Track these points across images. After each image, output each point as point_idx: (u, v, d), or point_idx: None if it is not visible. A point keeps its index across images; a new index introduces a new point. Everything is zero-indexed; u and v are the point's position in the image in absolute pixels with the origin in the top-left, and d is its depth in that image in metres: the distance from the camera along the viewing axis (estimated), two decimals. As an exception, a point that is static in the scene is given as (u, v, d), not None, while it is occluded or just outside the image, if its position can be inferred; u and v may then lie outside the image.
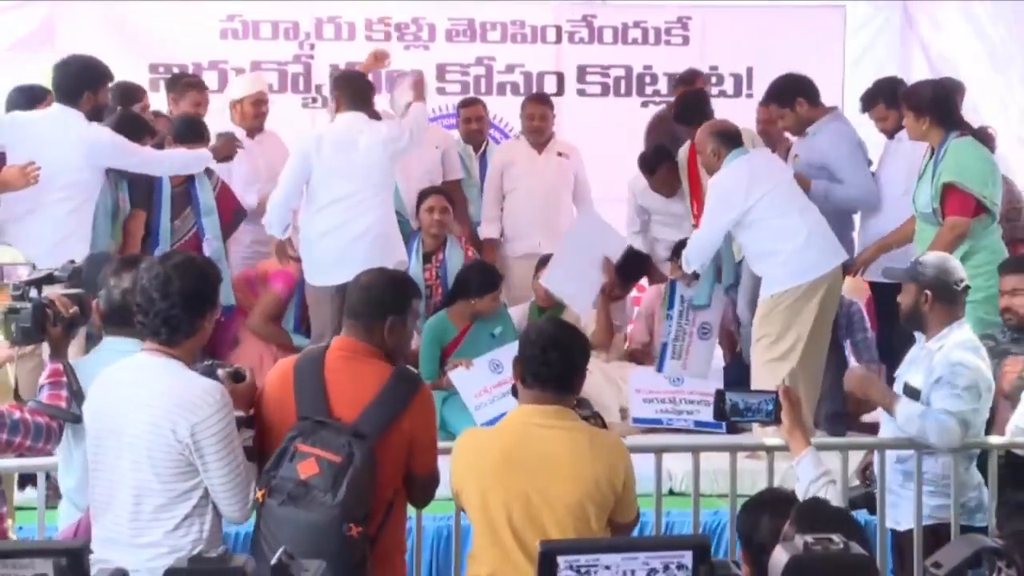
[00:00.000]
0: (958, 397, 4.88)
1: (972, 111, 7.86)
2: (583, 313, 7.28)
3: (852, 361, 7.39)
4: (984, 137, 6.52)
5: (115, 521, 3.79)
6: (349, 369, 4.03)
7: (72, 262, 4.37)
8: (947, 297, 5.01)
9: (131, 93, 7.47)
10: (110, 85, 6.71)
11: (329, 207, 6.70)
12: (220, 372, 3.95)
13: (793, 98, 7.06)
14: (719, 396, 4.31)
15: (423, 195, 7.68)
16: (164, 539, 3.75)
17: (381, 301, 4.12)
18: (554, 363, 3.97)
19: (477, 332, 7.03)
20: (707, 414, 6.75)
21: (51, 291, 4.17)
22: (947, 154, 6.20)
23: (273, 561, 2.35)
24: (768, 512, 3.59)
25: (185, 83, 8.07)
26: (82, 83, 6.43)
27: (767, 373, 6.31)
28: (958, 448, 4.90)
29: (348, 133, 6.75)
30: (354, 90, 6.90)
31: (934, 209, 6.19)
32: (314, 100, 9.31)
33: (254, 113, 7.99)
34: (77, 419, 4.01)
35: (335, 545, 3.75)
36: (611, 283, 7.35)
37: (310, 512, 3.78)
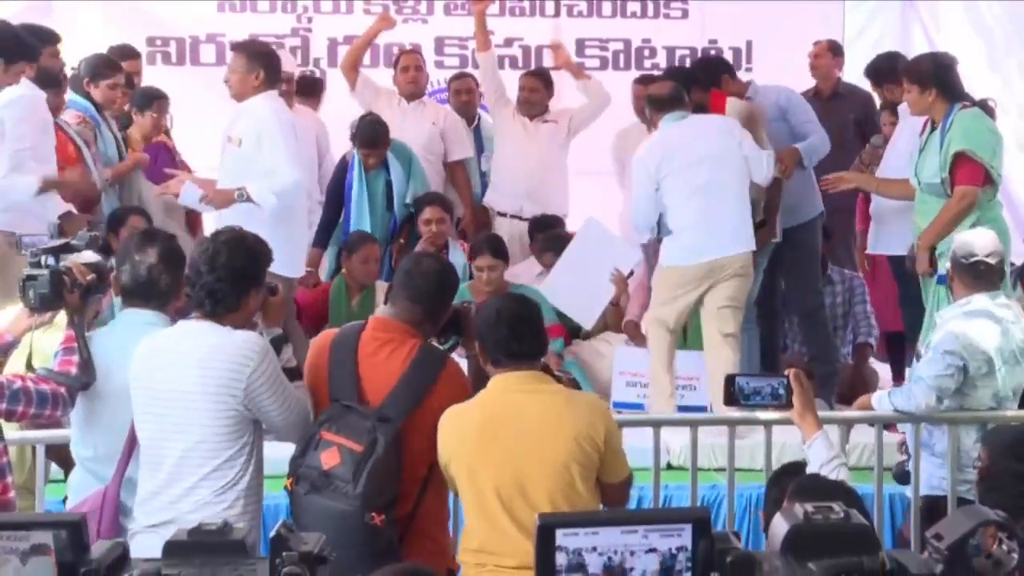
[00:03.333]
0: (934, 362, 4.98)
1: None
2: (586, 326, 7.30)
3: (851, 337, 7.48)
4: (987, 109, 6.51)
5: (163, 487, 3.85)
6: (383, 350, 4.05)
7: (89, 231, 4.38)
8: (962, 271, 5.11)
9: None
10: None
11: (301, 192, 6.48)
12: None
13: (719, 75, 7.09)
14: (729, 381, 4.31)
15: (420, 204, 7.61)
16: (212, 497, 3.80)
17: (449, 288, 4.21)
18: (525, 337, 3.99)
19: None
20: (692, 398, 6.72)
21: (69, 259, 4.18)
22: (954, 124, 6.17)
23: (272, 533, 2.34)
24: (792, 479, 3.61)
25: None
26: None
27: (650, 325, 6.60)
28: (932, 414, 5.01)
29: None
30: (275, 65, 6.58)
31: (943, 179, 6.16)
32: (312, 73, 9.27)
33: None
34: (85, 385, 4.05)
35: (359, 534, 3.80)
36: (620, 295, 7.37)
37: (333, 502, 3.83)
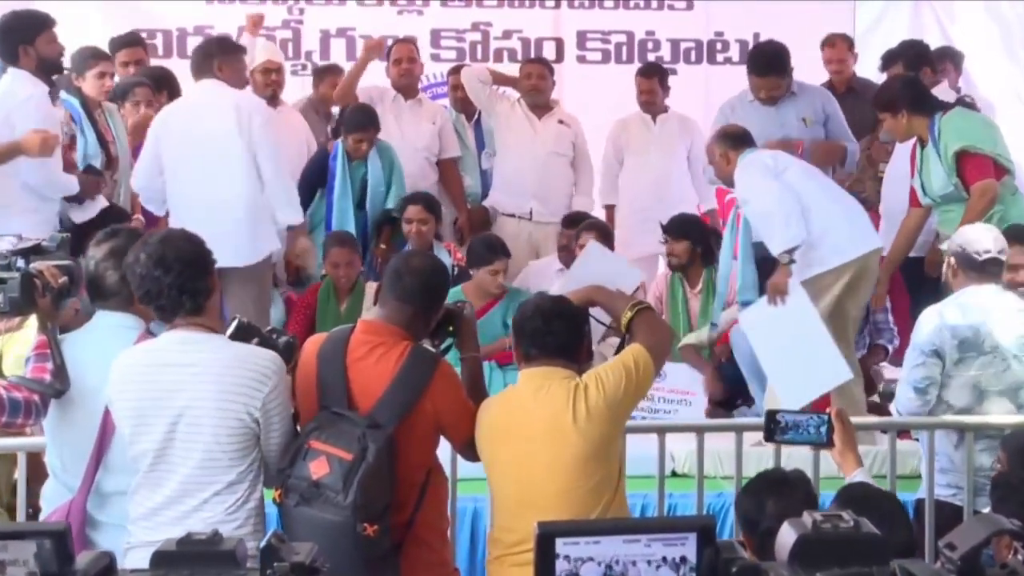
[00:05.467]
0: (908, 356, 5.10)
1: (988, 108, 7.87)
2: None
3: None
4: (967, 106, 6.56)
5: (169, 503, 3.82)
6: (372, 354, 4.05)
7: (62, 232, 4.37)
8: (968, 267, 5.11)
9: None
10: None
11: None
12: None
13: (789, 65, 7.22)
14: (770, 416, 4.31)
15: (404, 202, 7.62)
16: (224, 516, 3.79)
17: (440, 287, 4.21)
18: (559, 331, 4.07)
19: (492, 317, 6.94)
20: (685, 415, 6.68)
21: (39, 262, 4.16)
22: (942, 131, 6.23)
23: (262, 544, 2.36)
24: (773, 495, 3.61)
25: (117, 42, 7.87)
26: (13, 39, 6.25)
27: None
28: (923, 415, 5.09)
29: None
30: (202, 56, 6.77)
31: (955, 185, 6.18)
32: (304, 67, 9.25)
33: (264, 83, 7.93)
34: (59, 393, 4.02)
35: (351, 545, 3.80)
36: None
37: (323, 513, 3.82)
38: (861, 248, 6.23)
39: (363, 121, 7.55)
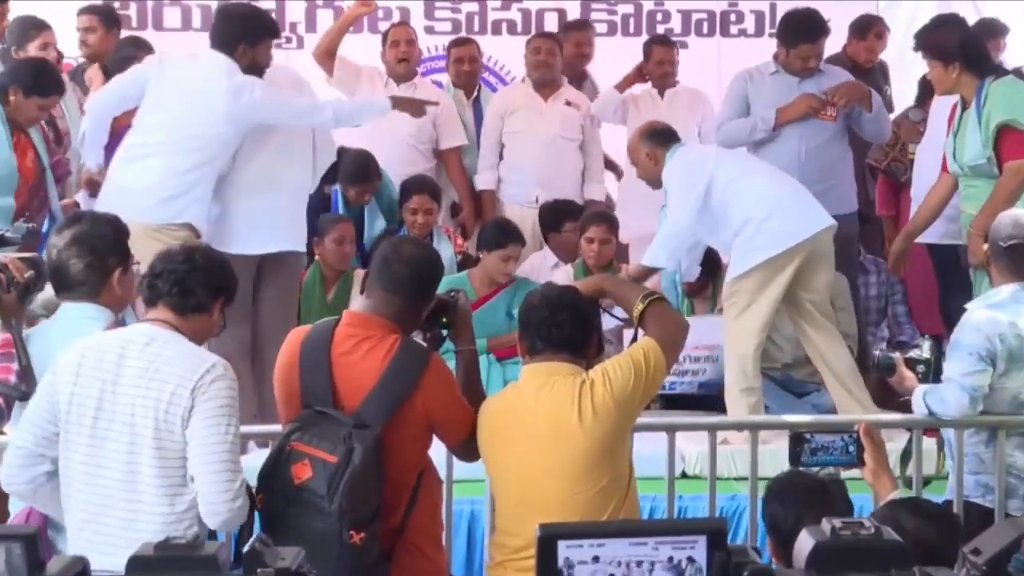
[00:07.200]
0: (959, 359, 4.96)
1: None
2: None
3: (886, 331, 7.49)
4: (1022, 77, 6.52)
5: (106, 509, 3.73)
6: (359, 349, 4.01)
7: (27, 222, 4.35)
8: (997, 255, 5.07)
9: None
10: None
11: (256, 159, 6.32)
12: None
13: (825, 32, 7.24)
14: (796, 439, 4.30)
15: (406, 189, 7.59)
16: (164, 530, 3.62)
17: (432, 277, 4.19)
18: (565, 324, 4.08)
19: (496, 305, 6.96)
20: (712, 372, 6.73)
21: (4, 254, 4.16)
22: (989, 97, 6.17)
23: (246, 548, 2.37)
24: (802, 504, 3.62)
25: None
26: (236, 34, 6.16)
27: (736, 339, 6.32)
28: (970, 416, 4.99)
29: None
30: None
31: (988, 158, 6.16)
32: (288, 40, 9.23)
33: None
34: (25, 396, 3.99)
35: (337, 554, 3.78)
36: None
37: (307, 519, 3.80)
38: (810, 229, 6.29)
39: (366, 174, 7.48)
